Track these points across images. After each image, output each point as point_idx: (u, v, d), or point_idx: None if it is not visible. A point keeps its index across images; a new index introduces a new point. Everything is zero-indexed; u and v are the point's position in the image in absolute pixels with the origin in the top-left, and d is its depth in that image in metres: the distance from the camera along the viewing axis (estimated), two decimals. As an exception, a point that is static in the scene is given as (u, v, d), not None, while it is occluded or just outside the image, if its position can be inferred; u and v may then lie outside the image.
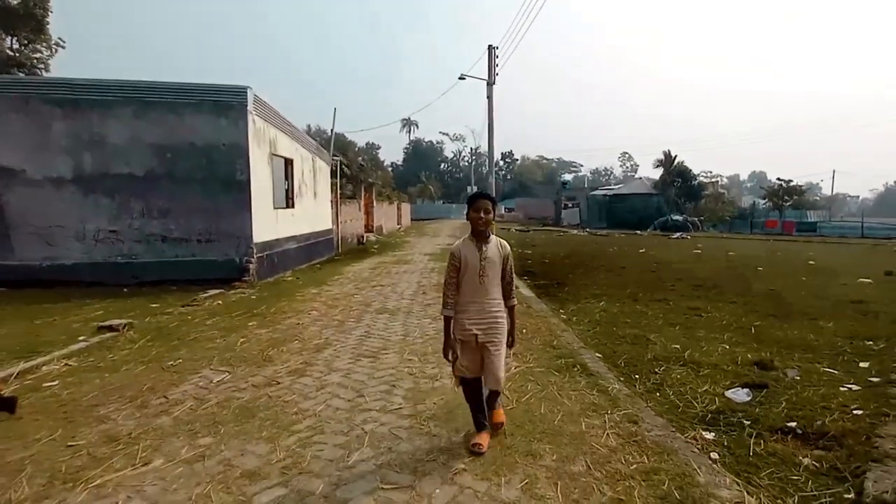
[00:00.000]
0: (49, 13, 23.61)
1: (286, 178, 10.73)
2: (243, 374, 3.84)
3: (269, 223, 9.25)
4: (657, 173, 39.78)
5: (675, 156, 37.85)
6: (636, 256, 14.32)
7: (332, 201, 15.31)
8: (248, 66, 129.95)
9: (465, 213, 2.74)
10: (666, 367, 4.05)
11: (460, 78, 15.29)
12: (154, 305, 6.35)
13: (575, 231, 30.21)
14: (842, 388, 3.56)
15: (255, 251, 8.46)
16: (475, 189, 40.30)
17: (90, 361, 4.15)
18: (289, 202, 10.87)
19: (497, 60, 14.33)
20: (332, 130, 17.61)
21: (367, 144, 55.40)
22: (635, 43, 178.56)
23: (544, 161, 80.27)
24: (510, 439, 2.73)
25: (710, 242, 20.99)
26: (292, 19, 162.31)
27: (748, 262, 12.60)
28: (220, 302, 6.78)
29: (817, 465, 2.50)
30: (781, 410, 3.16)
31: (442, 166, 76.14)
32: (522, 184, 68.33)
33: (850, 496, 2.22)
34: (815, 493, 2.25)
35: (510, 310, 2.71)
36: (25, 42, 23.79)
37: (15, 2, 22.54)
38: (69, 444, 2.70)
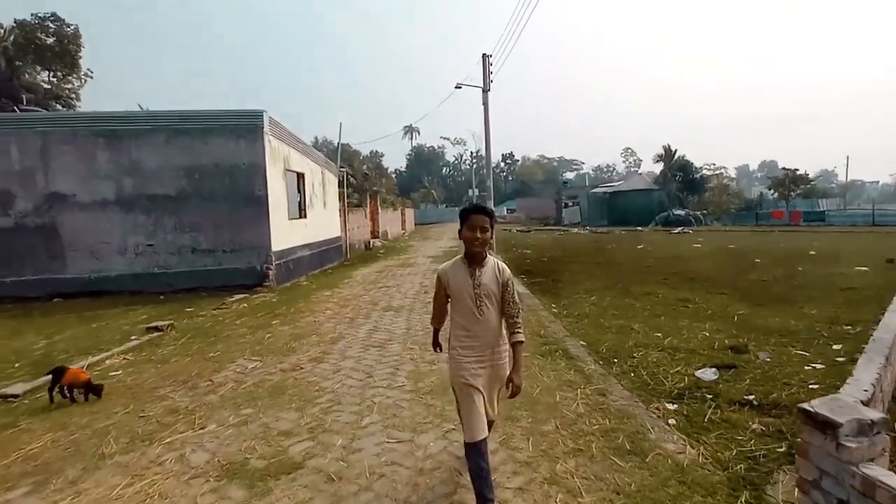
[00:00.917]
0: (81, 48, 25.33)
1: (298, 191, 11.55)
2: (272, 362, 4.56)
3: (284, 233, 10.05)
4: (659, 168, 39.63)
5: (676, 150, 37.64)
6: (634, 252, 14.65)
7: (340, 210, 16.11)
8: (260, 84, 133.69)
9: (458, 229, 2.20)
10: (644, 353, 4.42)
11: (456, 87, 15.94)
12: (189, 309, 7.14)
13: (576, 230, 30.36)
14: (807, 368, 3.83)
15: (273, 259, 9.27)
16: (476, 193, 37.97)
17: (143, 355, 4.93)
18: (301, 213, 11.69)
19: (491, 68, 14.97)
20: (338, 144, 18.46)
21: (371, 153, 56.55)
22: (638, 38, 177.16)
23: (545, 161, 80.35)
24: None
25: (712, 236, 21.05)
26: (303, 40, 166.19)
27: (747, 254, 12.79)
28: (245, 305, 7.56)
29: (764, 428, 2.86)
30: (744, 387, 3.50)
31: (444, 171, 77.07)
32: (524, 184, 68.60)
33: (782, 449, 2.55)
34: (753, 448, 2.61)
35: (515, 346, 2.12)
36: (60, 76, 25.51)
37: (50, 40, 24.23)
38: (140, 415, 3.43)
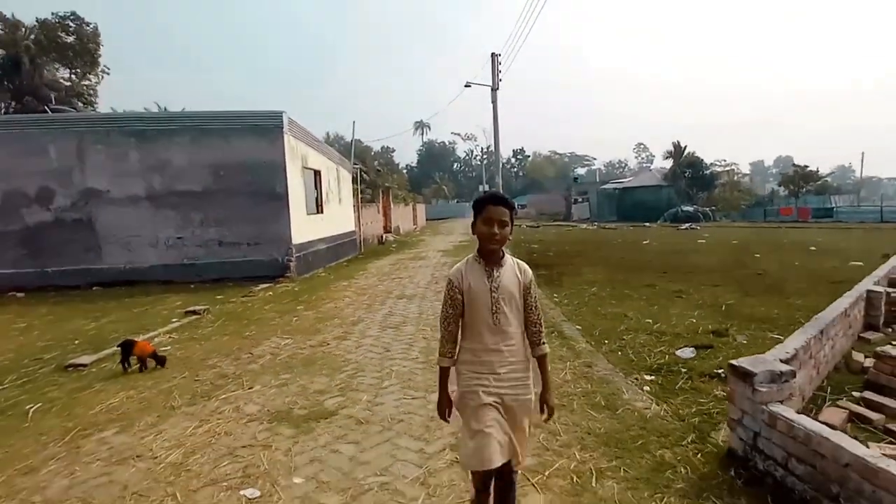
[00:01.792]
0: (100, 46, 26.28)
1: (315, 188, 12.19)
2: (301, 340, 5.16)
3: (304, 227, 10.68)
4: (669, 164, 39.66)
5: (685, 146, 37.68)
6: (639, 247, 15.05)
7: (354, 206, 16.76)
8: (278, 82, 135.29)
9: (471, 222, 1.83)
10: (634, 336, 4.88)
11: (466, 86, 16.44)
12: (219, 297, 7.80)
13: (584, 225, 30.80)
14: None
15: (294, 251, 9.92)
16: (486, 188, 35.07)
17: (186, 334, 5.57)
18: (318, 208, 12.33)
19: (500, 67, 15.39)
20: (352, 142, 19.12)
21: (382, 149, 57.10)
22: (646, 32, 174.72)
23: (556, 156, 79.89)
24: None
25: (718, 232, 21.32)
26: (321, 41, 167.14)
27: (749, 248, 13.15)
28: (270, 293, 8.21)
29: (725, 394, 3.17)
30: (716, 363, 3.92)
31: (455, 166, 77.28)
32: (534, 180, 68.60)
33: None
34: (711, 408, 3.06)
35: (540, 360, 1.84)
36: (80, 73, 26.49)
37: (70, 39, 25.17)
38: (195, 379, 4.05)
